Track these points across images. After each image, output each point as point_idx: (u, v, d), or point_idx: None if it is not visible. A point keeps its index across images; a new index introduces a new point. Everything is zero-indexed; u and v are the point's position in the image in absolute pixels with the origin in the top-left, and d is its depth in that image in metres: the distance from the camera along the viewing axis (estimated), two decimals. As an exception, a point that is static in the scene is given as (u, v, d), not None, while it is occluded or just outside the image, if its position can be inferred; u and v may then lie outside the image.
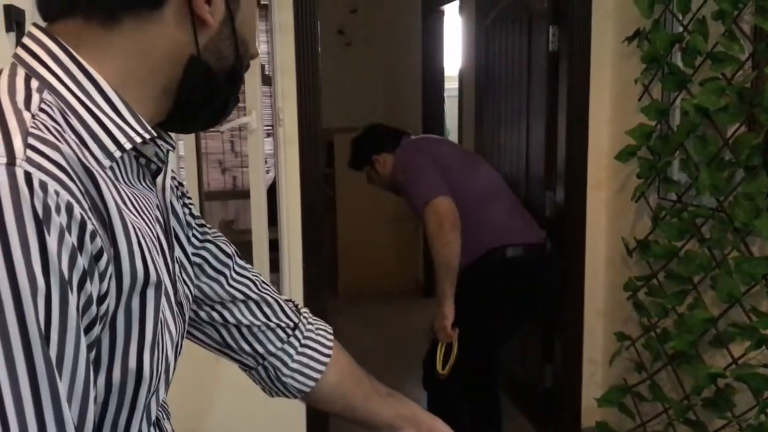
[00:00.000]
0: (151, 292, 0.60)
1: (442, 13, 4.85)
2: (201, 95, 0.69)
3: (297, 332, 0.94)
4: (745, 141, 2.00)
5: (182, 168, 2.59)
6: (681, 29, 2.27)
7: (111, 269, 0.55)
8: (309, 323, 0.97)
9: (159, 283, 0.61)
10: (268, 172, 3.48)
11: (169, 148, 0.70)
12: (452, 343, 2.47)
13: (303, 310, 0.98)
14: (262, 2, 2.59)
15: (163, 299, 0.62)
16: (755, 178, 1.98)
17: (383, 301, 4.97)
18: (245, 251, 2.49)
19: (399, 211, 5.13)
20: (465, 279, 2.46)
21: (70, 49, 0.61)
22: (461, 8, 4.32)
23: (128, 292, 0.58)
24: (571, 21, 2.71)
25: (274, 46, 2.53)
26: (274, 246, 2.65)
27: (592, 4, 2.71)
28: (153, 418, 0.65)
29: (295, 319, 0.95)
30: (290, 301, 0.96)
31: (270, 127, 2.77)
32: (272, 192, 2.67)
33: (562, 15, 2.75)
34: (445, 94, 5.10)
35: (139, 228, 0.60)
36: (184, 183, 2.59)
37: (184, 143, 2.49)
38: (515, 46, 3.15)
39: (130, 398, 0.60)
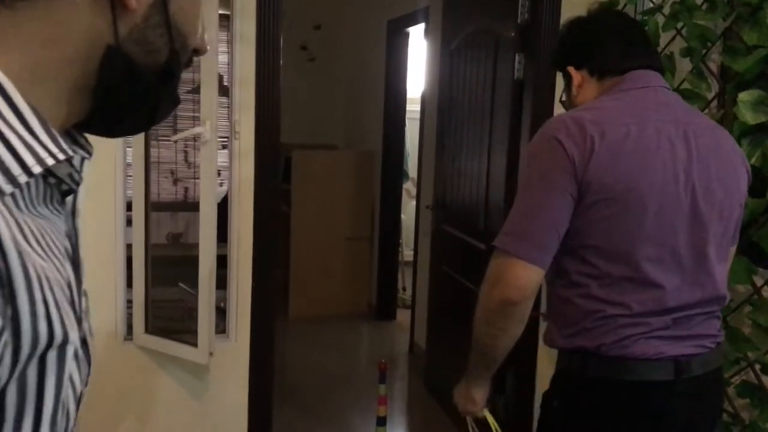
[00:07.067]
0: (53, 356, 0.49)
1: (407, 34, 4.82)
2: (125, 95, 0.58)
3: None
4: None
5: (130, 176, 2.47)
6: (648, 64, 2.26)
7: (6, 335, 0.45)
8: None
9: (65, 342, 0.50)
10: (221, 185, 3.37)
11: (85, 155, 0.59)
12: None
13: None
14: (224, 12, 2.51)
15: (69, 356, 0.51)
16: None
17: (334, 323, 4.86)
18: (193, 266, 2.39)
19: (354, 230, 5.06)
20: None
21: None
22: (427, 31, 4.29)
23: (26, 360, 0.47)
24: (538, 50, 2.68)
25: (234, 56, 2.44)
26: (223, 262, 2.54)
27: (559, 35, 2.70)
28: None
29: None
30: None
31: (225, 139, 2.67)
32: (225, 206, 2.56)
33: (530, 44, 2.72)
34: (407, 116, 5.06)
35: (45, 276, 0.49)
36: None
37: (133, 150, 2.38)
38: (480, 72, 3.12)
39: None
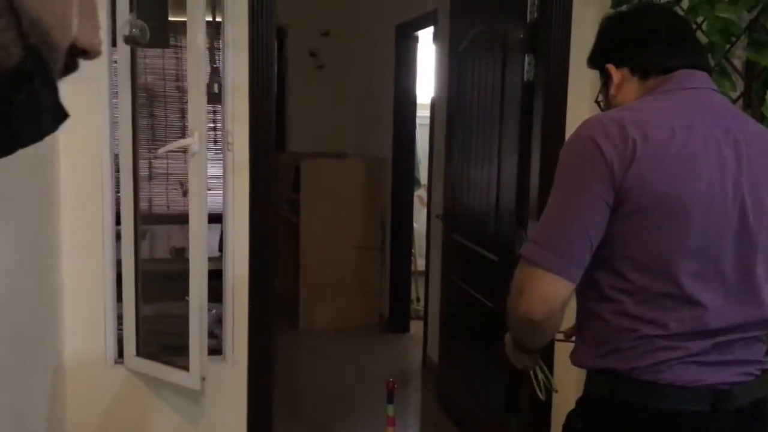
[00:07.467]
0: None
1: (416, 38, 4.69)
2: None
3: None
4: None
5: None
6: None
7: None
8: None
9: None
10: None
11: None
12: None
13: None
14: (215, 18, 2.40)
15: None
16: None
17: (345, 336, 4.72)
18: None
19: (365, 239, 4.93)
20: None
21: None
22: (435, 34, 4.16)
23: None
24: (548, 50, 2.54)
25: (226, 63, 2.32)
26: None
27: (571, 34, 2.55)
28: None
29: None
30: None
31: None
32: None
33: (539, 44, 2.58)
34: (417, 121, 4.93)
35: None
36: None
37: (120, 162, 2.27)
38: (488, 74, 2.98)
39: None
